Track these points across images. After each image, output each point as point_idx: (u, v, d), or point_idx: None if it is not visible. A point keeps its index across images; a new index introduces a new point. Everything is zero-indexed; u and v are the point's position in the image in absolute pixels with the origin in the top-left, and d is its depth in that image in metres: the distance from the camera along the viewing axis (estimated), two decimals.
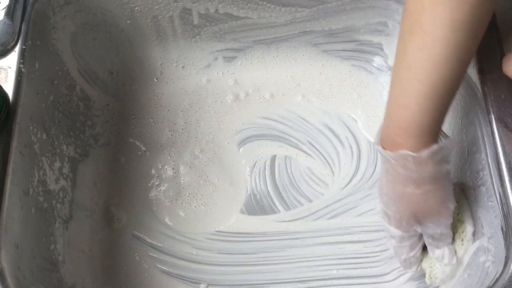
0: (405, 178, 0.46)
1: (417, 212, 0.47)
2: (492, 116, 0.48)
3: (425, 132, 0.44)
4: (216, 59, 0.68)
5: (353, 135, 0.65)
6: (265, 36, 0.66)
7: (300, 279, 0.58)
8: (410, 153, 0.44)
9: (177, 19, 0.63)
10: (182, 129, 0.65)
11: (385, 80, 0.68)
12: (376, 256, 0.59)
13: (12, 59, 0.50)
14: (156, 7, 0.62)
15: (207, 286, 0.57)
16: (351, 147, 0.65)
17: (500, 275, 0.45)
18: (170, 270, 0.58)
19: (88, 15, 0.61)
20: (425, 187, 0.46)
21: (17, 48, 0.50)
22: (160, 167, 0.63)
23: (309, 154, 0.65)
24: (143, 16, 0.63)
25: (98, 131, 0.64)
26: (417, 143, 0.44)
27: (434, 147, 0.44)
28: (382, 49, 0.67)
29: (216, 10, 0.63)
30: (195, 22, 0.64)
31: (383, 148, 0.46)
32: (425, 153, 0.44)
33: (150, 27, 0.64)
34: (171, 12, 0.63)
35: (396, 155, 0.44)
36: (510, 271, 0.44)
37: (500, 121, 0.47)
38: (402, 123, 0.44)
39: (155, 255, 0.59)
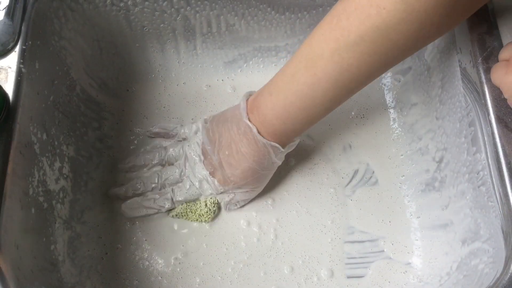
0: (259, 159, 0.55)
1: (247, 183, 0.57)
2: (492, 116, 0.48)
3: (295, 132, 0.54)
4: (216, 66, 0.68)
5: (353, 135, 0.66)
6: (265, 44, 0.67)
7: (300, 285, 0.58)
8: (281, 148, 0.54)
9: (180, 29, 0.64)
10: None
11: (384, 82, 0.68)
12: (375, 256, 0.59)
13: (12, 59, 0.50)
14: (162, 25, 0.64)
15: None
16: (350, 147, 0.65)
17: (500, 275, 0.45)
18: (170, 270, 0.58)
19: (94, 28, 0.62)
20: (267, 171, 0.57)
21: (17, 48, 0.50)
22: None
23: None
24: (150, 35, 0.65)
25: (105, 133, 0.64)
26: (286, 138, 0.54)
27: (292, 145, 0.56)
28: None
29: (217, 19, 0.63)
30: (197, 31, 0.64)
31: (247, 112, 0.54)
32: (285, 149, 0.55)
33: (154, 41, 0.66)
34: (175, 31, 0.64)
35: (270, 144, 0.53)
36: (510, 271, 0.44)
37: (500, 121, 0.47)
38: (287, 112, 0.51)
39: (157, 255, 0.59)
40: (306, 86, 0.48)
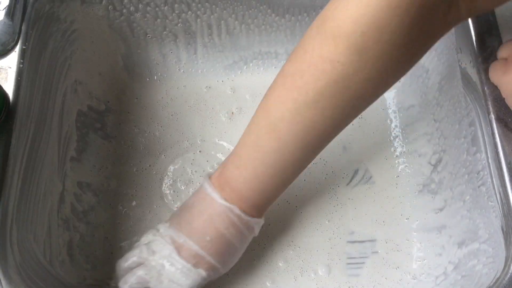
0: (241, 239, 0.51)
1: (221, 256, 0.50)
2: (492, 116, 0.48)
3: (263, 201, 0.50)
4: (216, 68, 0.68)
5: (351, 135, 0.66)
6: (265, 48, 0.67)
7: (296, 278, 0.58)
8: (263, 221, 0.52)
9: (181, 34, 0.65)
10: (184, 132, 0.66)
11: None
12: (371, 255, 0.59)
13: (12, 59, 0.50)
14: (164, 32, 0.64)
15: None
16: (349, 147, 0.65)
17: (500, 275, 0.45)
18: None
19: (97, 33, 0.62)
20: (241, 245, 0.52)
21: (17, 48, 0.50)
22: (166, 169, 0.63)
23: None
24: (152, 40, 0.65)
25: (108, 134, 0.64)
26: (263, 208, 0.51)
27: (262, 220, 0.52)
28: None
29: (218, 22, 0.63)
30: (198, 36, 0.65)
31: (212, 181, 0.50)
32: (254, 221, 0.50)
33: (155, 46, 0.66)
34: (176, 38, 0.65)
35: (255, 222, 0.50)
36: (510, 271, 0.44)
37: (500, 121, 0.47)
38: (252, 177, 0.48)
39: None
40: (273, 152, 0.46)
